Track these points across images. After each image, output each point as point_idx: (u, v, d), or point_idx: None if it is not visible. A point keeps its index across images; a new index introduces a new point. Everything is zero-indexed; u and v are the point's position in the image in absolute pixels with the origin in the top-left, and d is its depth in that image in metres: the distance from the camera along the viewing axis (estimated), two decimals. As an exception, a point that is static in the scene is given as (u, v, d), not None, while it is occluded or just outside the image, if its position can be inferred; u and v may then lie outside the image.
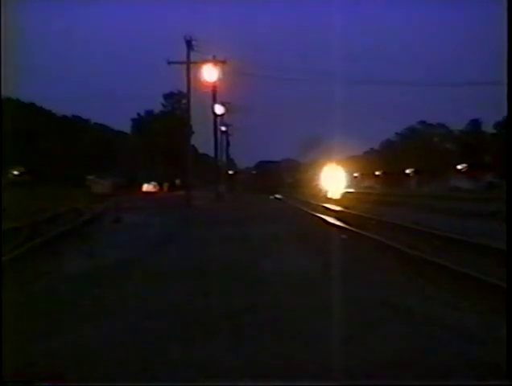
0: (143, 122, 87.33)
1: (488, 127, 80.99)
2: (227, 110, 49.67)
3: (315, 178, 60.85)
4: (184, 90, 35.05)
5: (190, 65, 32.71)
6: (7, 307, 5.93)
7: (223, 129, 57.49)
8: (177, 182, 70.74)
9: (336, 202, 30.92)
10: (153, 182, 66.81)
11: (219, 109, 43.45)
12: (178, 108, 76.13)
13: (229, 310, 5.91)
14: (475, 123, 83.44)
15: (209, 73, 35.00)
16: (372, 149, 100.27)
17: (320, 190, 46.57)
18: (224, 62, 34.97)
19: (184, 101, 42.40)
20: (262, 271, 8.48)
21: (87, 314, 5.87)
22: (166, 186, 69.82)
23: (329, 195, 39.28)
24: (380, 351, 4.50)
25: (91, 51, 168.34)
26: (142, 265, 9.29)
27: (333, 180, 47.91)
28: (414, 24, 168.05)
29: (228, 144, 68.63)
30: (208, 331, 5.11)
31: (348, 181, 53.94)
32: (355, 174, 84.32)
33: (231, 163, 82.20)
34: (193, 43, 32.41)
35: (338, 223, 16.21)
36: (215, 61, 34.74)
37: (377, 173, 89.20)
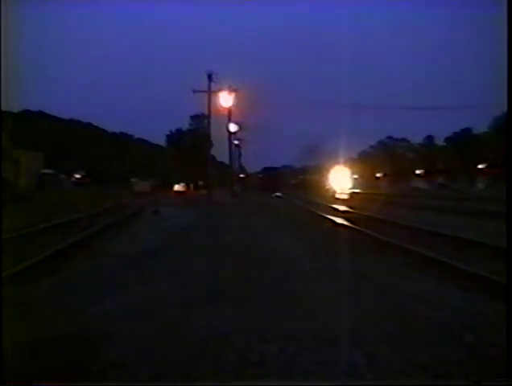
0: (175, 137, 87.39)
1: (439, 141, 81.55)
2: (239, 128, 49.58)
3: (311, 180, 61.12)
4: (206, 113, 35.13)
5: (210, 93, 32.86)
6: (81, 276, 6.07)
7: (236, 142, 57.22)
8: (200, 183, 70.68)
9: (325, 197, 30.90)
10: (182, 184, 66.83)
11: (233, 128, 43.49)
12: (201, 126, 75.92)
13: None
14: (430, 138, 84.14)
15: (225, 99, 35.07)
16: (351, 158, 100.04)
17: (316, 189, 46.56)
18: (236, 90, 35.03)
19: (206, 121, 42.41)
20: (265, 242, 8.60)
21: (132, 279, 5.93)
22: (192, 186, 69.84)
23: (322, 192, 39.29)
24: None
25: (134, 86, 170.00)
26: (179, 242, 9.57)
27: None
28: (381, 62, 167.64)
29: (240, 154, 68.47)
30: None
31: (338, 182, 53.45)
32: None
33: (242, 169, 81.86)
34: (213, 76, 32.64)
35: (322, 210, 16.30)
36: (229, 90, 34.81)
37: (355, 176, 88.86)
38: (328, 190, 46.06)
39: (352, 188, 47.30)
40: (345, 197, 31.03)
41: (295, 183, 67.15)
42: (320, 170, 68.46)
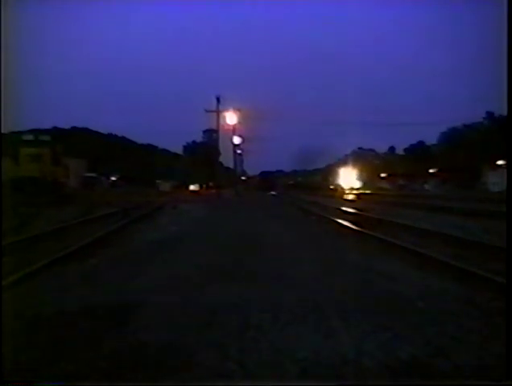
0: (190, 148, 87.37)
1: (400, 151, 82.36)
2: (242, 140, 49.57)
3: (305, 181, 61.34)
4: (216, 128, 35.29)
5: (219, 112, 32.98)
6: (118, 258, 6.06)
7: (239, 152, 57.37)
8: (211, 184, 70.44)
9: (315, 196, 30.76)
10: (196, 185, 66.75)
11: (236, 140, 43.72)
12: (211, 139, 75.38)
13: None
14: (392, 149, 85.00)
15: (230, 118, 35.24)
16: (329, 164, 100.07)
17: (310, 189, 46.41)
18: (239, 110, 35.37)
19: (215, 135, 42.37)
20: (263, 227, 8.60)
21: (158, 259, 5.86)
22: (204, 187, 69.70)
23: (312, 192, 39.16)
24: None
25: (158, 107, 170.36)
26: (193, 230, 9.53)
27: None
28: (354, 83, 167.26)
29: (242, 161, 68.64)
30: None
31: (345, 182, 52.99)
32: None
33: (244, 172, 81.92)
34: (220, 99, 32.79)
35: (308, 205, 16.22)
36: (234, 109, 35.04)
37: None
38: (330, 189, 45.51)
39: (359, 188, 46.77)
40: (352, 197, 28.01)
41: (291, 184, 67.29)
42: (311, 173, 68.48)
